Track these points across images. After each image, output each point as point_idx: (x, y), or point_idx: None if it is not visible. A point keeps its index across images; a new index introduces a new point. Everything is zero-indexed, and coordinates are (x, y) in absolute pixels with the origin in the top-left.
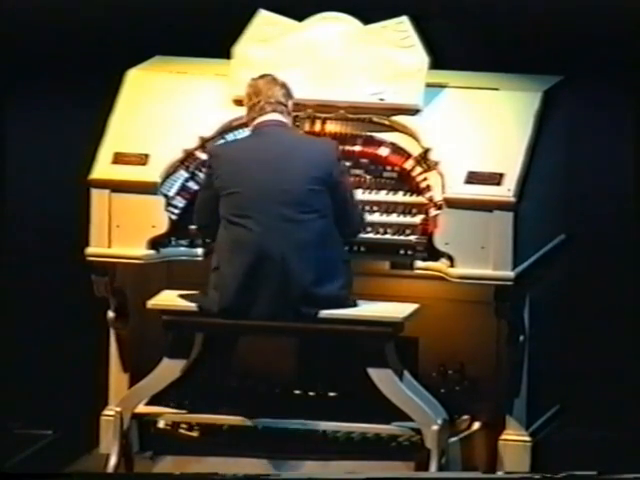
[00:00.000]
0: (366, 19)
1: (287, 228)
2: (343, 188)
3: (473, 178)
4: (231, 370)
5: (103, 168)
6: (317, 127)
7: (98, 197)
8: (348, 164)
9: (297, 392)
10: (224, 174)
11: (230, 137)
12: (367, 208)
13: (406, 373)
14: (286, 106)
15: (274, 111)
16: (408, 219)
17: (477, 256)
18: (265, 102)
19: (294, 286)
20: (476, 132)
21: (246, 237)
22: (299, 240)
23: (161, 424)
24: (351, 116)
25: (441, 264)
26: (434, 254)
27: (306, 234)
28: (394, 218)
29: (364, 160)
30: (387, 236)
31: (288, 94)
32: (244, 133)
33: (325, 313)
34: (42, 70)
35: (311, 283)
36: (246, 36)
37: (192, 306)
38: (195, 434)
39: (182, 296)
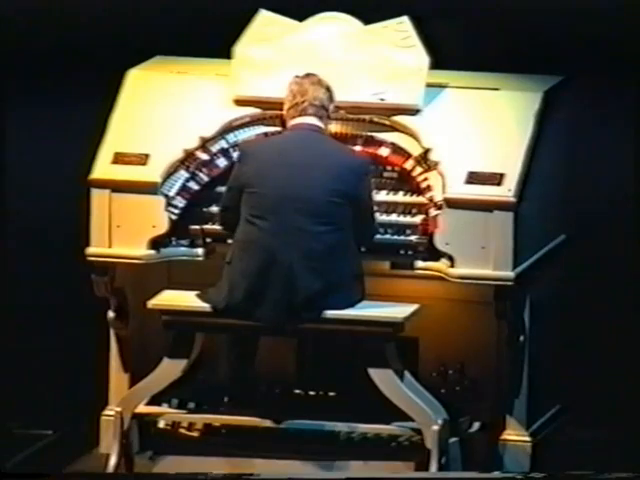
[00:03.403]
0: (366, 19)
1: (299, 236)
2: (365, 204)
3: (473, 178)
4: (255, 372)
5: (103, 168)
6: None
7: (98, 197)
8: None
9: (297, 392)
10: (250, 171)
11: (231, 137)
12: None
13: (406, 373)
14: (327, 110)
15: (315, 115)
16: (408, 219)
17: (477, 256)
18: (309, 104)
19: (299, 295)
20: (476, 132)
21: (258, 239)
22: (309, 250)
23: (161, 424)
24: (351, 116)
25: (441, 264)
26: (434, 254)
27: (317, 245)
28: (394, 218)
29: None
30: (387, 236)
31: (331, 98)
32: (249, 132)
33: (326, 313)
34: (42, 70)
35: (317, 294)
36: (247, 36)
37: (193, 306)
38: (195, 434)
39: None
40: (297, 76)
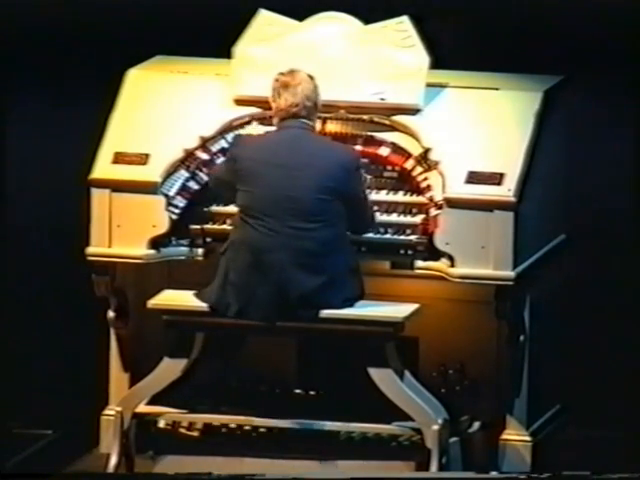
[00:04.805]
0: (366, 19)
1: (290, 235)
2: (358, 198)
3: (473, 178)
4: (233, 371)
5: (103, 168)
6: (318, 127)
7: (98, 197)
8: None
9: (297, 392)
10: (242, 170)
11: (231, 137)
12: None
13: (406, 373)
14: (317, 107)
15: (306, 116)
16: (408, 219)
17: (477, 256)
18: (303, 106)
19: (294, 293)
20: (476, 132)
21: (251, 238)
22: (301, 248)
23: (161, 424)
24: (351, 116)
25: (441, 264)
26: (434, 254)
27: (309, 243)
28: (394, 218)
29: (365, 160)
30: (387, 236)
31: (318, 92)
32: (249, 132)
33: (325, 313)
34: (42, 70)
35: (311, 291)
36: (247, 36)
37: (193, 306)
38: (195, 434)
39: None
40: (282, 74)
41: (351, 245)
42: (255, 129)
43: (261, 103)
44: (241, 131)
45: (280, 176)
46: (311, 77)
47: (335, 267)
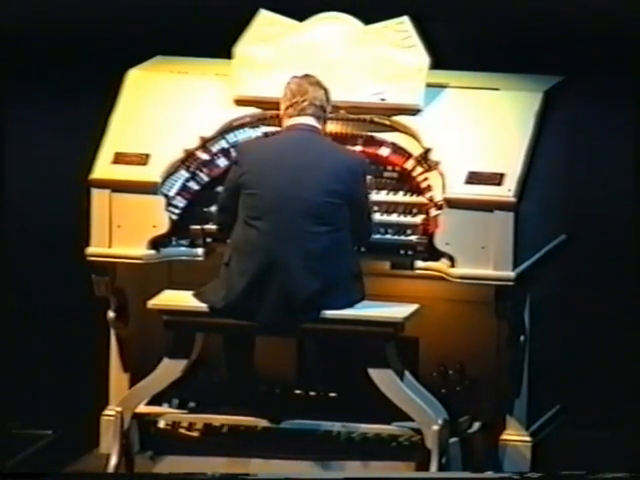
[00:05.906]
0: (367, 19)
1: (297, 238)
2: (362, 204)
3: (474, 178)
4: (252, 371)
5: (103, 168)
6: None
7: (98, 197)
8: None
9: (297, 392)
10: (248, 173)
11: (231, 137)
12: None
13: (406, 373)
14: (325, 111)
15: (313, 115)
16: (409, 219)
17: (477, 256)
18: (309, 103)
19: (298, 296)
20: (476, 132)
21: (257, 240)
22: (307, 251)
23: (161, 424)
24: (352, 116)
25: (441, 264)
26: (434, 254)
27: (315, 246)
28: (395, 218)
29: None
30: (388, 236)
31: (328, 99)
32: (249, 132)
33: (326, 313)
34: (42, 70)
35: (315, 294)
36: (247, 36)
37: (193, 306)
38: (195, 434)
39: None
40: (295, 76)
41: (354, 249)
42: (256, 131)
43: (261, 103)
44: (241, 131)
45: (287, 177)
46: (322, 83)
47: (340, 271)
